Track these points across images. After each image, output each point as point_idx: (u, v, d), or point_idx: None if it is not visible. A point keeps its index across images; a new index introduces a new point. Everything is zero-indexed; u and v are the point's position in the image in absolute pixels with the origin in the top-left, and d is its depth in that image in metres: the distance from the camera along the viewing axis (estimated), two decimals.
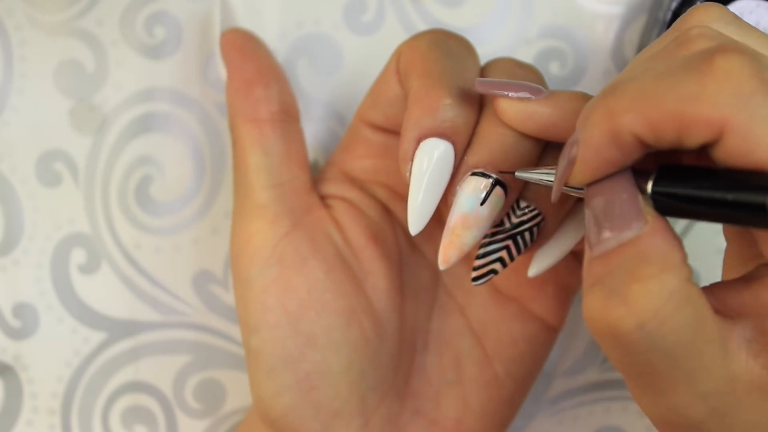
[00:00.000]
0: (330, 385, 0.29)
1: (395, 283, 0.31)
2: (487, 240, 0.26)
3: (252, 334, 0.29)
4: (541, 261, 0.27)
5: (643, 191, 0.21)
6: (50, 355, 0.36)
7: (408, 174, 0.25)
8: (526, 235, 0.26)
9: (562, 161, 0.22)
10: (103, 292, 0.35)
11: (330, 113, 0.35)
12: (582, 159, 0.21)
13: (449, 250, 0.25)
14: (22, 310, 0.36)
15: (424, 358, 0.31)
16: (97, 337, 0.36)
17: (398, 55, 0.28)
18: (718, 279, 0.34)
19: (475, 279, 0.26)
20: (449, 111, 0.25)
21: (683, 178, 0.21)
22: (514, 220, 0.26)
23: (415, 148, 0.25)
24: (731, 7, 0.30)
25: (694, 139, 0.19)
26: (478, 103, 0.26)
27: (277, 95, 0.30)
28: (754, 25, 0.30)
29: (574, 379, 0.35)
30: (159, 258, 0.35)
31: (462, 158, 0.25)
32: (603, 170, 0.21)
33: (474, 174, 0.25)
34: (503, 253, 0.26)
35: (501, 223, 0.26)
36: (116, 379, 0.36)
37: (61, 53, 0.35)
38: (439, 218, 0.27)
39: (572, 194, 0.23)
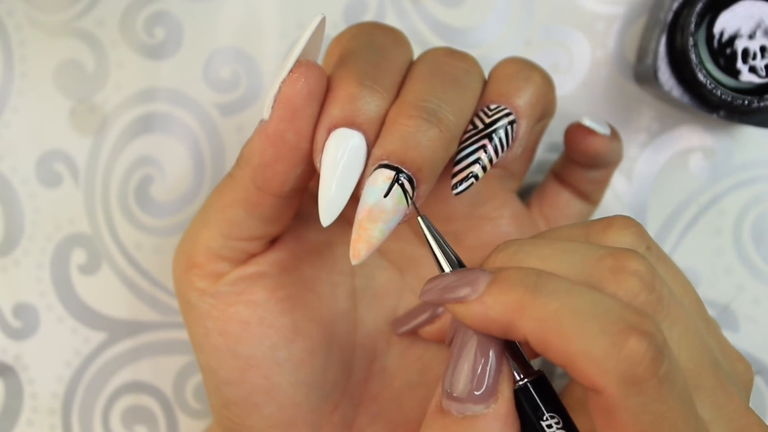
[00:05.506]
0: (273, 401, 0.28)
1: (343, 289, 0.30)
2: (461, 146, 0.25)
3: (197, 350, 0.29)
4: None
5: (516, 372, 0.23)
6: (50, 356, 0.36)
7: (319, 165, 0.25)
8: (501, 132, 0.25)
9: (456, 284, 0.22)
10: (104, 293, 0.35)
11: None
12: (469, 311, 0.22)
13: (358, 244, 0.24)
14: (22, 310, 0.36)
15: (386, 361, 0.31)
16: (97, 337, 0.36)
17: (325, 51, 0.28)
18: (718, 279, 0.34)
19: (455, 187, 0.25)
20: (358, 101, 0.24)
21: (546, 396, 0.22)
22: (486, 120, 0.26)
23: (326, 139, 0.24)
24: (732, 8, 0.30)
25: (573, 377, 0.21)
26: (394, 94, 0.26)
27: (297, 177, 0.26)
28: (755, 25, 0.30)
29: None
30: (159, 258, 0.35)
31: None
32: (476, 328, 0.22)
33: (380, 166, 0.24)
34: (480, 153, 0.25)
35: (473, 126, 0.26)
36: (116, 379, 0.36)
37: (61, 53, 0.35)
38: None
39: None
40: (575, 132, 0.30)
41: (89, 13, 0.34)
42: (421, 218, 0.24)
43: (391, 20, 0.34)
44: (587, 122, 0.29)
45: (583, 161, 0.30)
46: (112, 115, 0.35)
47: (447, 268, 0.24)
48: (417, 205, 0.24)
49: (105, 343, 0.36)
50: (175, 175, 0.35)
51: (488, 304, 0.21)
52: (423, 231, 0.24)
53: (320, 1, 0.34)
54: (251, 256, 0.28)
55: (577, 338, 0.20)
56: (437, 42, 0.34)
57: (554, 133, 0.34)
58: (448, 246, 0.24)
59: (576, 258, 0.22)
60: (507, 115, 0.26)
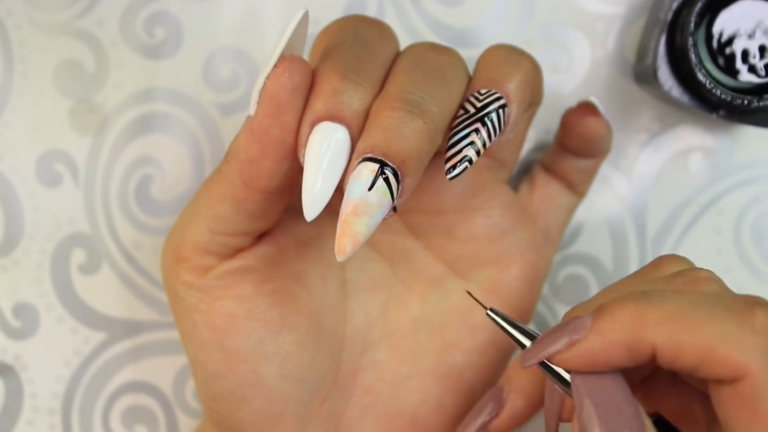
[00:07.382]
0: (261, 395, 0.28)
1: (333, 282, 0.30)
2: (453, 130, 0.25)
3: (186, 344, 0.29)
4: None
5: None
6: (50, 355, 0.36)
7: (303, 159, 0.24)
8: (493, 116, 0.25)
9: (558, 336, 0.22)
10: (104, 293, 0.35)
11: None
12: (587, 345, 0.21)
13: (342, 240, 0.23)
14: (22, 310, 0.36)
15: (376, 353, 0.31)
16: (97, 337, 0.36)
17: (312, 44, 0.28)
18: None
19: (449, 171, 0.25)
20: (341, 95, 0.24)
21: None
22: (478, 105, 0.26)
23: (309, 133, 0.24)
24: (732, 8, 0.30)
25: (710, 373, 0.20)
26: (378, 88, 0.25)
27: (284, 173, 0.26)
28: (755, 25, 0.30)
29: None
30: (159, 258, 0.35)
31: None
32: (599, 364, 0.22)
33: (364, 159, 0.24)
34: (474, 137, 0.25)
35: (465, 110, 0.26)
36: (116, 379, 0.36)
37: (61, 53, 0.35)
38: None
39: (547, 374, 0.23)
40: (580, 108, 0.30)
41: (89, 13, 0.34)
42: (491, 310, 0.25)
43: (390, 19, 0.34)
44: (594, 100, 0.30)
45: (576, 145, 0.31)
46: (112, 115, 0.35)
47: (528, 344, 0.24)
48: (403, 199, 0.24)
49: (105, 343, 0.36)
50: (175, 174, 0.35)
51: (605, 329, 0.21)
52: (497, 322, 0.24)
53: (320, 1, 0.34)
54: (239, 251, 0.28)
55: (708, 324, 0.20)
56: (437, 41, 0.34)
57: (551, 131, 0.34)
58: (524, 327, 0.24)
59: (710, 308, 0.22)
60: (498, 99, 0.26)
